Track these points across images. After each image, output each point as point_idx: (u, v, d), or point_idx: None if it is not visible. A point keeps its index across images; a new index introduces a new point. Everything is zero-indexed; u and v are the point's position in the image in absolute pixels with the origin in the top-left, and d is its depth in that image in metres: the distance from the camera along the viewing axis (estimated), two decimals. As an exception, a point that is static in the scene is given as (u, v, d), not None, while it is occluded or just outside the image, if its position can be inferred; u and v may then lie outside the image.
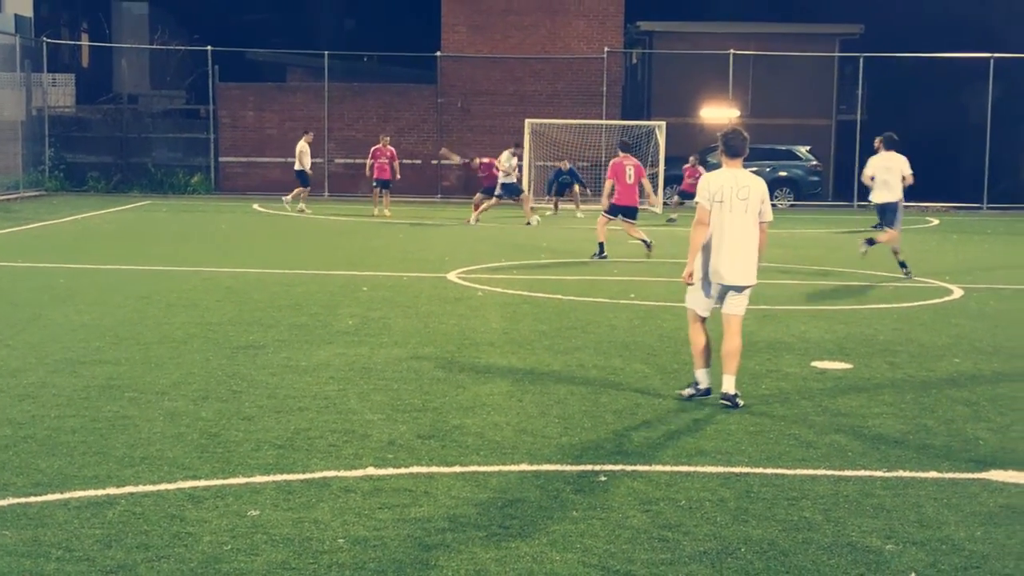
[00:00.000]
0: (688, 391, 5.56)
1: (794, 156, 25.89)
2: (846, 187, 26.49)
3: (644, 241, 12.49)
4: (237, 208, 22.19)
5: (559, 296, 9.44)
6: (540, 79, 26.89)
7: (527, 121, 24.06)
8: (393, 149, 20.38)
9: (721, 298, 5.49)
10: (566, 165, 20.57)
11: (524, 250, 13.73)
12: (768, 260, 12.86)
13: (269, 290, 9.53)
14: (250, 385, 5.75)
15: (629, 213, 12.56)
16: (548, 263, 12.47)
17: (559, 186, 20.33)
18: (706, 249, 5.44)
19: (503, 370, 6.29)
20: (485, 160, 18.68)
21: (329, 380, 5.90)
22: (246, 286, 9.83)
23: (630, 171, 12.40)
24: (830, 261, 13.22)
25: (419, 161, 26.75)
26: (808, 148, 26.16)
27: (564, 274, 11.45)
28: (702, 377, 5.51)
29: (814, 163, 25.92)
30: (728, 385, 5.42)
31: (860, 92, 26.74)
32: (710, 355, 5.54)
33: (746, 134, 5.51)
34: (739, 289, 5.44)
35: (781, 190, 25.98)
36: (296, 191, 20.42)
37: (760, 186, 5.46)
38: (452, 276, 10.75)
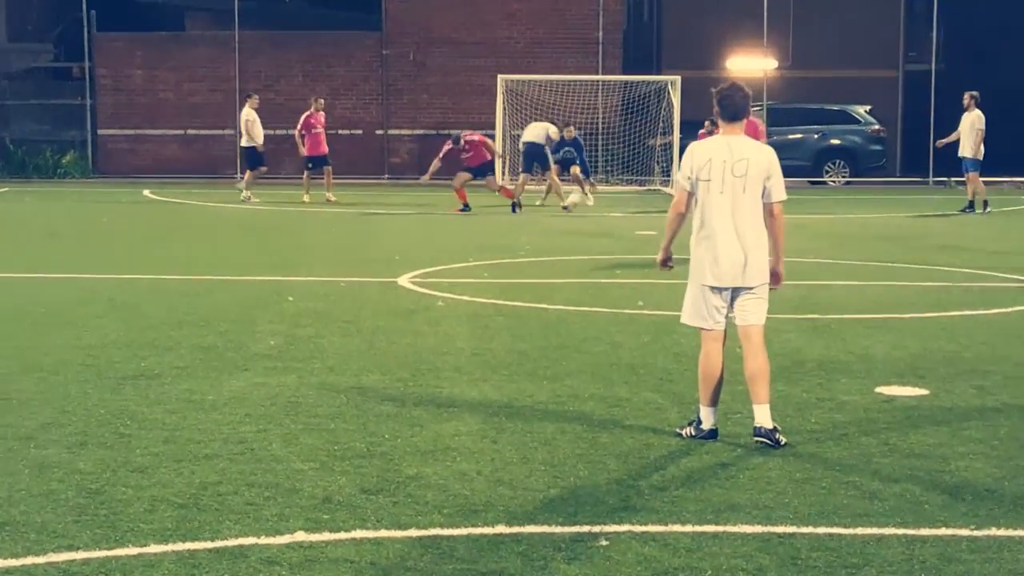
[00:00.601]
0: (688, 429, 5.56)
1: (850, 119, 26.01)
2: (917, 158, 26.73)
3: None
4: (123, 196, 22.10)
5: (545, 305, 9.49)
6: (517, 23, 26.99)
7: (500, 77, 24.13)
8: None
9: (731, 305, 5.46)
10: (571, 133, 19.61)
11: (498, 246, 13.78)
12: (816, 254, 13.33)
13: (166, 302, 9.52)
14: (142, 426, 5.73)
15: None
16: (530, 262, 12.53)
17: (563, 162, 19.31)
18: (698, 243, 5.44)
19: (473, 403, 6.31)
20: (474, 137, 18.30)
21: (245, 418, 5.89)
22: (136, 297, 9.81)
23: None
24: (898, 255, 13.39)
25: (360, 131, 26.77)
26: (868, 108, 26.30)
27: (551, 276, 11.51)
28: (706, 416, 5.51)
29: (875, 128, 26.07)
30: (763, 418, 5.43)
31: (935, 35, 27.00)
32: (719, 391, 5.52)
33: (747, 90, 5.47)
34: (748, 290, 5.42)
35: (833, 163, 26.26)
36: (248, 174, 20.04)
37: (764, 157, 5.41)
38: (405, 281, 10.77)
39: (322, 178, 20.13)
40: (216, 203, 20.42)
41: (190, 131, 27.36)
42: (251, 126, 19.84)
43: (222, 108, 26.49)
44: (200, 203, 20.67)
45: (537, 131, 19.47)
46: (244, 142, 20.18)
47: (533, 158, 19.13)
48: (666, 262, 5.68)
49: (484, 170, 18.48)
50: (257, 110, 20.21)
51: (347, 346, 7.77)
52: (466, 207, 18.03)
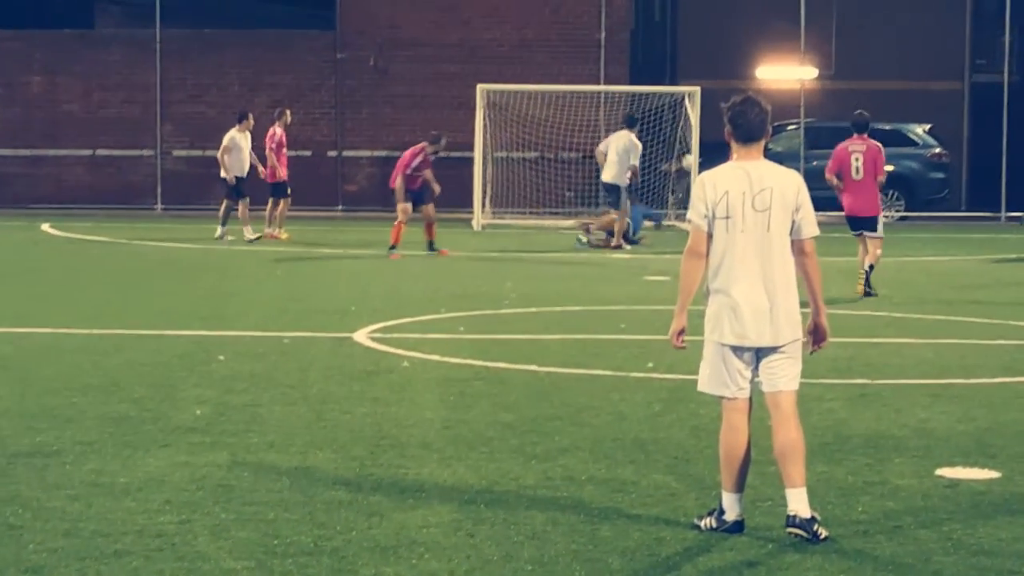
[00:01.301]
0: (708, 520, 5.57)
1: (905, 140, 26.22)
2: (987, 188, 26.98)
3: None
4: (16, 230, 22.11)
5: (533, 367, 9.56)
6: (501, 23, 27.24)
7: (480, 87, 24.28)
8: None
9: (756, 368, 5.48)
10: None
11: (477, 295, 13.86)
12: (864, 305, 13.43)
13: (67, 361, 9.54)
14: (37, 516, 5.73)
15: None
16: (515, 313, 12.60)
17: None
18: (714, 293, 5.45)
19: (444, 488, 6.34)
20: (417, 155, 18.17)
21: (164, 506, 5.90)
22: (29, 356, 9.83)
23: None
24: (963, 307, 13.52)
25: (308, 152, 26.84)
26: (927, 128, 26.57)
27: (540, 330, 11.58)
28: (730, 505, 5.51)
29: (936, 151, 26.32)
30: (798, 505, 5.44)
31: (1007, 39, 27.27)
32: (745, 473, 5.54)
33: (766, 105, 5.54)
34: (777, 349, 5.46)
35: (885, 195, 26.35)
36: (242, 209, 20.02)
37: (791, 184, 5.49)
38: (362, 336, 10.83)
39: (265, 209, 20.30)
40: (131, 239, 20.45)
41: (100, 151, 27.43)
42: (228, 153, 19.86)
43: (139, 123, 26.61)
44: (111, 240, 20.71)
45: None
46: (224, 172, 20.07)
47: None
48: (681, 335, 5.49)
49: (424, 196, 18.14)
50: (250, 131, 20.26)
51: (290, 417, 7.79)
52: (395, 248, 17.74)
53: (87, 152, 27.28)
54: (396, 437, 7.31)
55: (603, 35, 26.87)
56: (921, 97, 28.18)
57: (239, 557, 5.24)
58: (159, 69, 26.39)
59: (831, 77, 29.01)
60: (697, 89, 24.12)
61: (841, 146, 14.28)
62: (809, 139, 25.41)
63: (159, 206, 26.29)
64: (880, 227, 14.20)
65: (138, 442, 7.09)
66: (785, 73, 27.75)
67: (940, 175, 26.20)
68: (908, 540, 5.62)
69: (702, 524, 5.58)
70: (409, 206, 17.88)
